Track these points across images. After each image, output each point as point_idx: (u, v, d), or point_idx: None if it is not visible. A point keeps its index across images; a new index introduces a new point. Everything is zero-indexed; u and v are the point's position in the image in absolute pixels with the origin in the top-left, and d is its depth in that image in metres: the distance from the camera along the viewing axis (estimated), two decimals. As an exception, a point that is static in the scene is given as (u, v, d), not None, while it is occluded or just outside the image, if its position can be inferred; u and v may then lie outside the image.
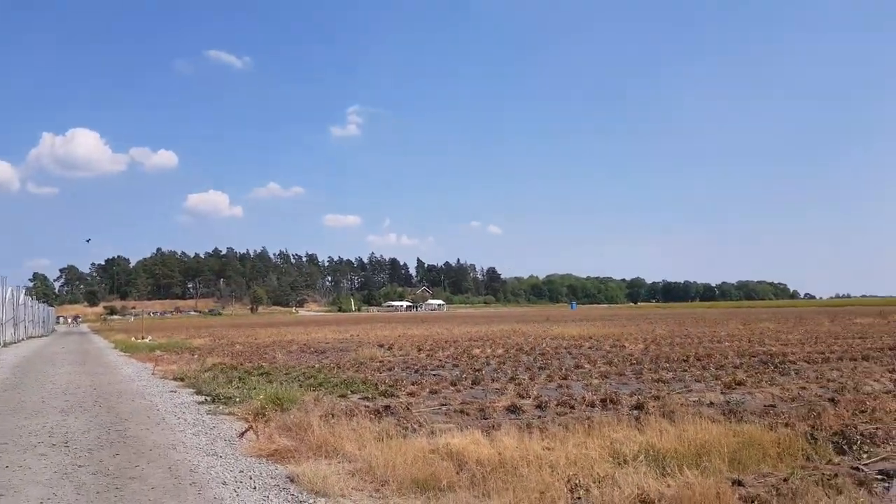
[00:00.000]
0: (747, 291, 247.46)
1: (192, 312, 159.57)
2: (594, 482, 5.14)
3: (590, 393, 10.75)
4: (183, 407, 11.49)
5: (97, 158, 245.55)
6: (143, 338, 35.11)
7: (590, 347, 22.55)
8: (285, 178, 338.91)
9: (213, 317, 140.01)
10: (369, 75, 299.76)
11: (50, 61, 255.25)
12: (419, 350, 22.47)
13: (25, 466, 7.17)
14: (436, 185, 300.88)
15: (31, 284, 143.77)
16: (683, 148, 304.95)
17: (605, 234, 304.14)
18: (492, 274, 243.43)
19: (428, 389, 12.32)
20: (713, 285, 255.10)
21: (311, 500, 5.86)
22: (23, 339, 43.00)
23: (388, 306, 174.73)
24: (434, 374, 15.22)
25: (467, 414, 10.13)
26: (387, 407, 10.12)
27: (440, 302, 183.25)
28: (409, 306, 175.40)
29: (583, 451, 6.05)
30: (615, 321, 50.27)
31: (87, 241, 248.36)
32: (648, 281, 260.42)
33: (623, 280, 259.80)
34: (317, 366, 17.76)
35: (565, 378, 13.63)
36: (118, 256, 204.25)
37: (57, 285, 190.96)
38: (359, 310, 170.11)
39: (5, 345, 34.44)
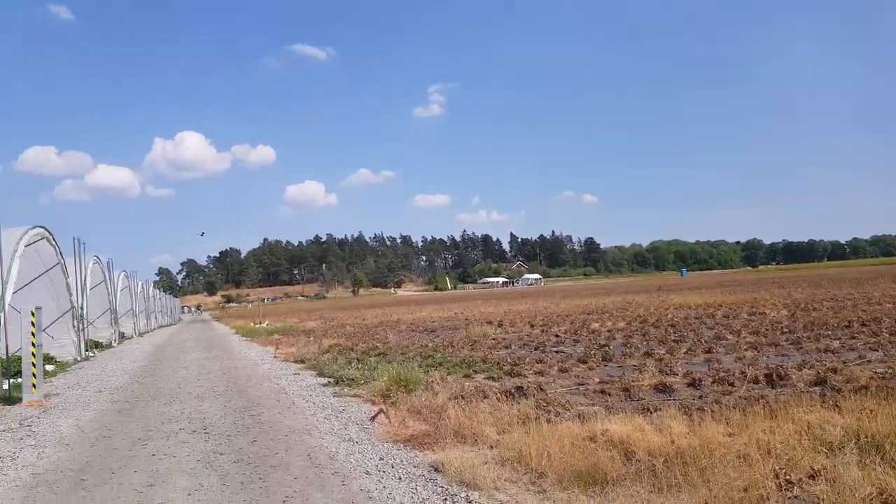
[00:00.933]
0: (885, 247, 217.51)
1: (300, 297, 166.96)
2: (807, 477, 4.27)
3: (748, 367, 9.61)
4: (309, 389, 11.45)
5: (203, 159, 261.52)
6: (260, 323, 36.64)
7: (724, 316, 20.94)
8: (375, 164, 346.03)
9: (318, 300, 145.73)
10: (445, 52, 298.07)
11: (153, 71, 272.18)
12: (531, 326, 21.78)
13: (170, 454, 7.15)
14: (523, 158, 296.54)
15: (157, 278, 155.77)
16: (802, 94, 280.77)
17: (713, 194, 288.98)
18: (590, 244, 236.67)
19: (556, 368, 11.62)
20: (842, 242, 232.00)
21: (462, 494, 5.35)
22: (154, 329, 46.23)
23: (484, 283, 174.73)
24: (556, 351, 14.48)
25: (609, 394, 9.36)
26: (519, 388, 9.51)
27: (537, 276, 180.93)
28: (505, 282, 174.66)
29: (774, 437, 5.14)
30: (740, 287, 47.19)
31: (201, 234, 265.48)
32: (766, 242, 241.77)
33: (737, 243, 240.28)
34: (430, 345, 17.52)
35: (709, 351, 12.48)
36: (230, 248, 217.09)
37: (179, 278, 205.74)
38: (454, 288, 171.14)
39: (140, 334, 37.02)
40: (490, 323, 24.05)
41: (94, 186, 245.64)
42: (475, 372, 11.81)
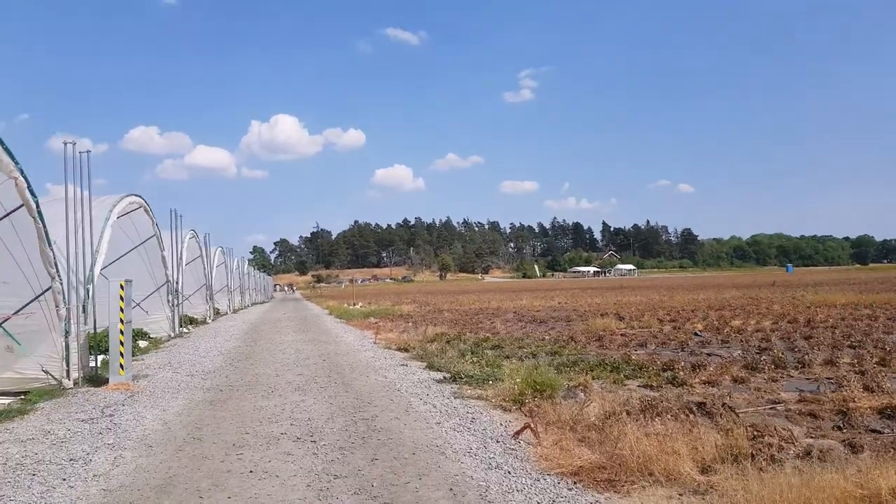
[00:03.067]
0: None
1: (388, 280, 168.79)
2: None
3: None
4: (423, 386, 9.72)
5: (296, 141, 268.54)
6: (353, 304, 35.79)
7: (889, 319, 17.62)
8: (463, 149, 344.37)
9: (406, 283, 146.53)
10: (539, 36, 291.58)
11: (250, 56, 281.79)
12: (660, 321, 19.18)
13: (272, 473, 5.55)
14: (616, 145, 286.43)
15: (251, 256, 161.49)
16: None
17: (821, 188, 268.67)
18: (687, 236, 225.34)
19: (728, 377, 9.30)
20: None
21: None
22: (248, 306, 46.68)
23: (574, 272, 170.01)
24: (708, 354, 12.09)
25: (820, 418, 7.08)
26: (700, 405, 7.31)
27: (630, 267, 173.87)
28: (597, 272, 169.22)
29: None
30: (867, 285, 42.01)
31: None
32: (877, 238, 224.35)
33: (846, 238, 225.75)
34: (548, 338, 15.48)
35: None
36: (321, 229, 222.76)
37: (272, 257, 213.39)
38: (543, 276, 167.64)
39: (234, 311, 37.10)
40: (605, 315, 21.65)
41: (192, 166, 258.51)
42: (626, 378, 9.65)
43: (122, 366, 10.29)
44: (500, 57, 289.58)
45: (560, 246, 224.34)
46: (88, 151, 11.16)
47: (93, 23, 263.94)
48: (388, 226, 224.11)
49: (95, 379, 10.60)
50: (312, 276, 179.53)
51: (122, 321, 10.38)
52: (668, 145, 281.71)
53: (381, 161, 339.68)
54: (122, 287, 10.47)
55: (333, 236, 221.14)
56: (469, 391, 9.19)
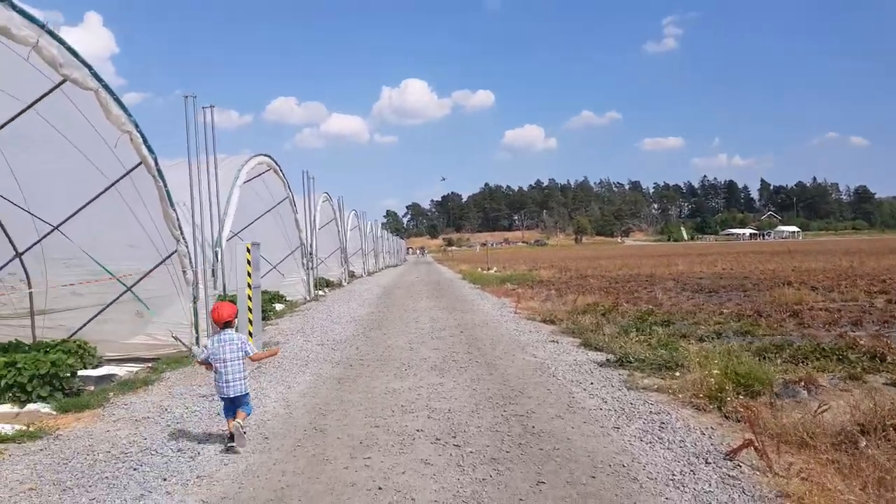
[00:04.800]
0: None
1: (520, 244, 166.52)
2: None
3: None
4: (583, 371, 8.02)
5: (425, 105, 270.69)
6: (487, 269, 34.53)
7: None
8: (599, 105, 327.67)
9: (539, 247, 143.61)
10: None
11: (381, 21, 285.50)
12: (867, 293, 15.77)
13: (405, 492, 4.18)
14: (773, 96, 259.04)
15: (384, 220, 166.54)
16: None
17: None
18: (862, 194, 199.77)
19: None
20: None
21: None
22: (382, 269, 47.17)
23: (727, 234, 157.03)
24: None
25: None
26: None
27: (794, 229, 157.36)
28: (754, 234, 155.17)
29: None
30: None
31: (443, 179, 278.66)
32: None
33: None
34: (726, 312, 13.05)
35: None
36: (452, 193, 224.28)
37: (404, 220, 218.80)
38: (691, 238, 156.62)
39: (369, 274, 37.31)
40: (788, 284, 18.47)
41: (328, 133, 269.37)
42: (864, 371, 7.29)
43: (250, 333, 9.53)
44: (640, 3, 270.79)
45: (710, 207, 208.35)
46: (211, 106, 10.42)
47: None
48: (520, 188, 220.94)
49: (226, 347, 9.97)
50: (443, 239, 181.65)
51: (249, 286, 9.62)
52: (836, 94, 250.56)
53: (511, 121, 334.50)
54: (248, 250, 9.68)
55: (464, 199, 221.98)
56: (644, 381, 7.38)
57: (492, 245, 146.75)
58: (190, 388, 7.39)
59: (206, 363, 5.32)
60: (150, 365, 8.56)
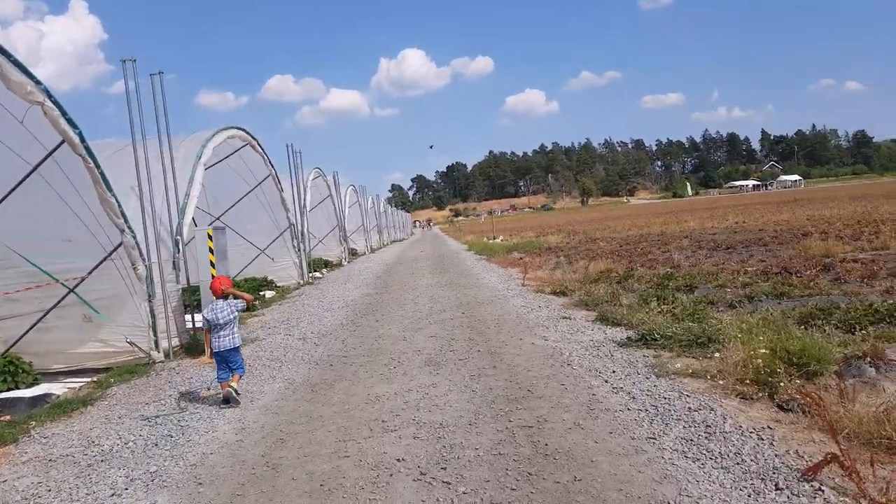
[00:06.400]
0: None
1: (527, 209, 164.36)
2: None
3: None
4: (602, 355, 6.79)
5: (424, 75, 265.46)
6: (494, 238, 33.20)
7: None
8: (598, 65, 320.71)
9: (546, 212, 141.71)
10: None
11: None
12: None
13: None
14: (767, 46, 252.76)
15: (390, 194, 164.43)
16: None
17: None
18: (860, 138, 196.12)
19: None
20: None
21: None
22: (387, 244, 45.91)
23: (731, 187, 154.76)
24: None
25: None
26: None
27: (796, 177, 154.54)
28: (756, 185, 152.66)
29: None
30: None
31: (430, 147, 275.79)
32: None
33: None
34: (750, 270, 11.76)
35: None
36: (456, 162, 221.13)
37: (410, 193, 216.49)
38: (696, 194, 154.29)
39: (372, 250, 36.07)
40: (807, 234, 17.10)
41: (328, 110, 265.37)
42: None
43: (216, 333, 8.33)
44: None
45: (713, 160, 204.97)
46: (160, 72, 9.05)
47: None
48: (524, 153, 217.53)
49: (195, 346, 8.80)
50: (450, 210, 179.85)
51: (213, 278, 8.37)
52: (827, 40, 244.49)
53: (512, 87, 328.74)
54: (210, 236, 8.42)
55: (469, 168, 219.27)
56: (674, 363, 6.17)
57: (498, 213, 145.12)
58: (133, 409, 6.19)
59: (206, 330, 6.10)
60: (95, 379, 7.38)
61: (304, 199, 18.88)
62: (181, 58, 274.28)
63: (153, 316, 8.10)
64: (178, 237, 9.04)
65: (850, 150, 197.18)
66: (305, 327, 10.25)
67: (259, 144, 14.05)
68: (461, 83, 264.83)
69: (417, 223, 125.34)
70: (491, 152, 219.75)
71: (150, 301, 8.06)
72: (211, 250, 8.36)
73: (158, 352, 8.18)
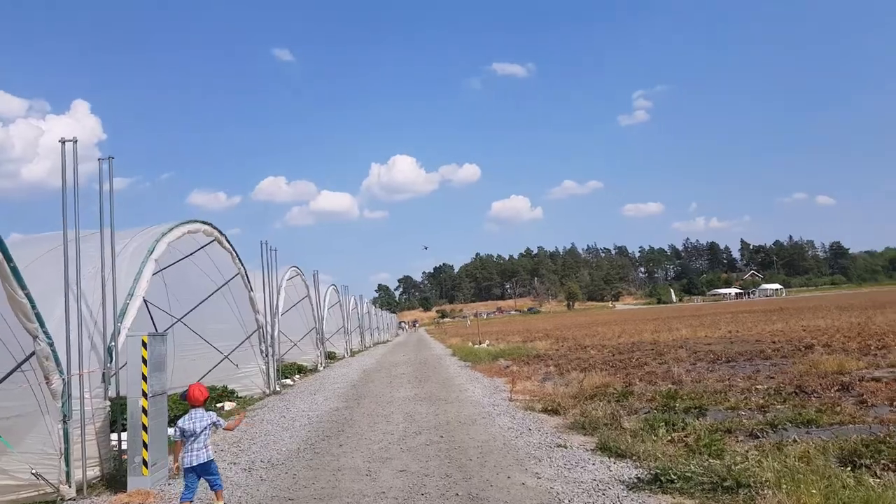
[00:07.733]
0: None
1: (513, 312, 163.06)
2: None
3: None
4: (608, 503, 5.46)
5: (413, 180, 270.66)
6: (479, 343, 31.83)
7: None
8: (580, 174, 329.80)
9: (532, 315, 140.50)
10: (650, 54, 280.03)
11: (368, 100, 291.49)
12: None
13: None
14: (743, 161, 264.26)
15: (376, 295, 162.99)
16: None
17: None
18: (836, 249, 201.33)
19: None
20: None
21: None
22: (370, 346, 44.15)
23: (714, 294, 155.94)
24: None
25: None
26: None
27: (777, 286, 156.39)
28: (739, 293, 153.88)
29: None
30: None
31: (425, 248, 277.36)
32: None
33: None
34: (761, 388, 10.64)
35: None
36: (444, 264, 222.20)
37: (396, 294, 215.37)
38: (680, 300, 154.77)
39: (352, 353, 34.40)
40: (810, 348, 16.09)
41: (318, 211, 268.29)
42: None
43: (145, 462, 6.93)
44: (611, 80, 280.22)
45: (695, 268, 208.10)
46: (110, 158, 8.17)
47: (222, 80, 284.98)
48: (511, 256, 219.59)
49: (117, 478, 7.32)
50: (437, 311, 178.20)
51: (144, 395, 7.07)
52: (799, 156, 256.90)
53: (498, 193, 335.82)
54: (144, 345, 7.19)
55: (456, 270, 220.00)
56: (701, 518, 4.87)
57: (485, 315, 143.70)
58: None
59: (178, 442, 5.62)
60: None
61: (277, 300, 17.67)
62: (175, 157, 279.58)
63: (67, 441, 6.71)
64: (112, 343, 7.79)
65: (828, 261, 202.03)
66: (256, 452, 8.79)
67: (227, 240, 13.07)
68: (449, 188, 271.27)
69: (403, 324, 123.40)
70: (478, 254, 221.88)
71: (65, 422, 6.70)
72: (144, 360, 7.10)
73: (70, 486, 6.71)
